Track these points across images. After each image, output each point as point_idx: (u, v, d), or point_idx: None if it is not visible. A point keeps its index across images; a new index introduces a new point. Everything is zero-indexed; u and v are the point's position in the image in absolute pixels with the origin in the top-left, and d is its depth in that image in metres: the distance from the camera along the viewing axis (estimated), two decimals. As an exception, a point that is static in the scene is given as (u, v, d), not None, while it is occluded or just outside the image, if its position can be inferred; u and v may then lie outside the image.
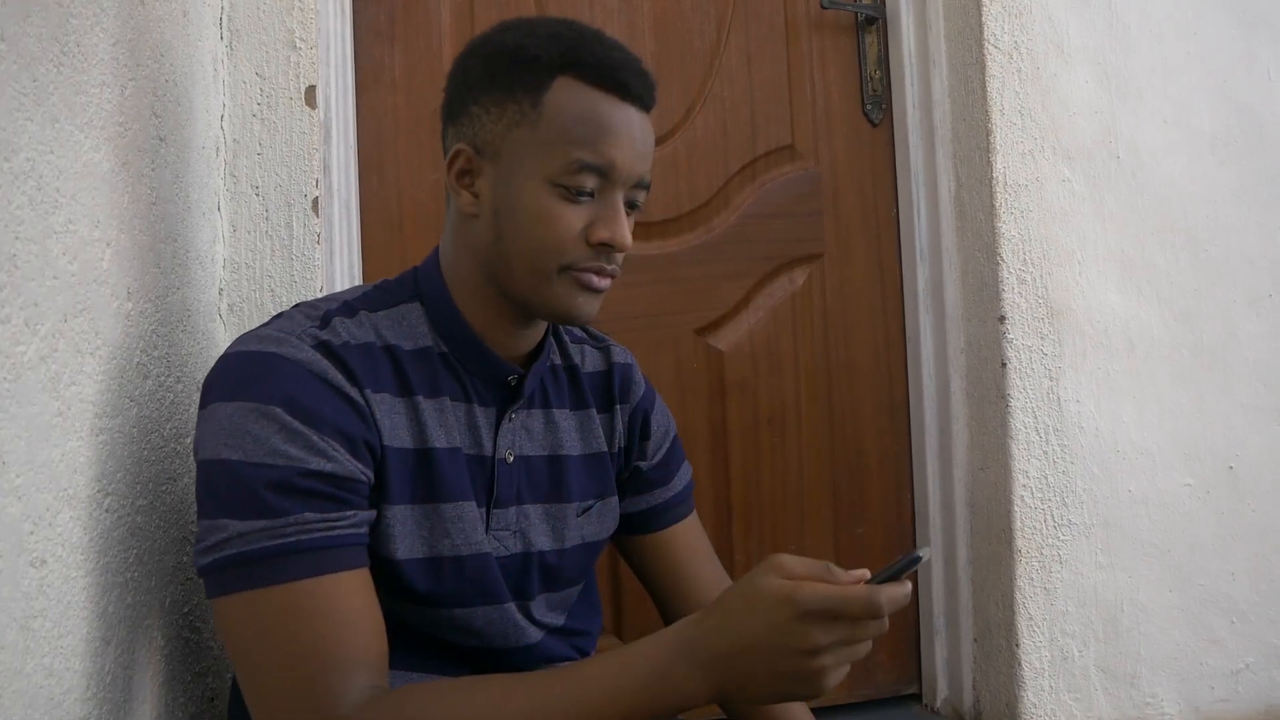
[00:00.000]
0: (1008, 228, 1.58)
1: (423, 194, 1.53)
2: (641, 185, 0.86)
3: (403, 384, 0.85)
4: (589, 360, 1.02)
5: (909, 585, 0.68)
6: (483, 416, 0.89)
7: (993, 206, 1.58)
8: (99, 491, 0.85)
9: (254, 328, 0.85)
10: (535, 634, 0.93)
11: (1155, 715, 1.60)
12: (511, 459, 0.92)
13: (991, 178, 1.58)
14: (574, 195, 0.82)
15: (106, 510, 0.86)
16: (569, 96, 0.82)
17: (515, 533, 0.91)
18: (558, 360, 1.00)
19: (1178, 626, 1.62)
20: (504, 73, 0.83)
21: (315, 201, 1.35)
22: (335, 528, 0.75)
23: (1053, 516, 1.57)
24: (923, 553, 0.70)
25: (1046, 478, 1.57)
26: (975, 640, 1.64)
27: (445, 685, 0.73)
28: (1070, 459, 1.59)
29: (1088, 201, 1.62)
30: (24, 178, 0.72)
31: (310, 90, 1.36)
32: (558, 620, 0.97)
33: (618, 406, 1.02)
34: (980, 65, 1.60)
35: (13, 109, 0.71)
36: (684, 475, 1.10)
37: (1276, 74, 1.74)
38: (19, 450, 0.70)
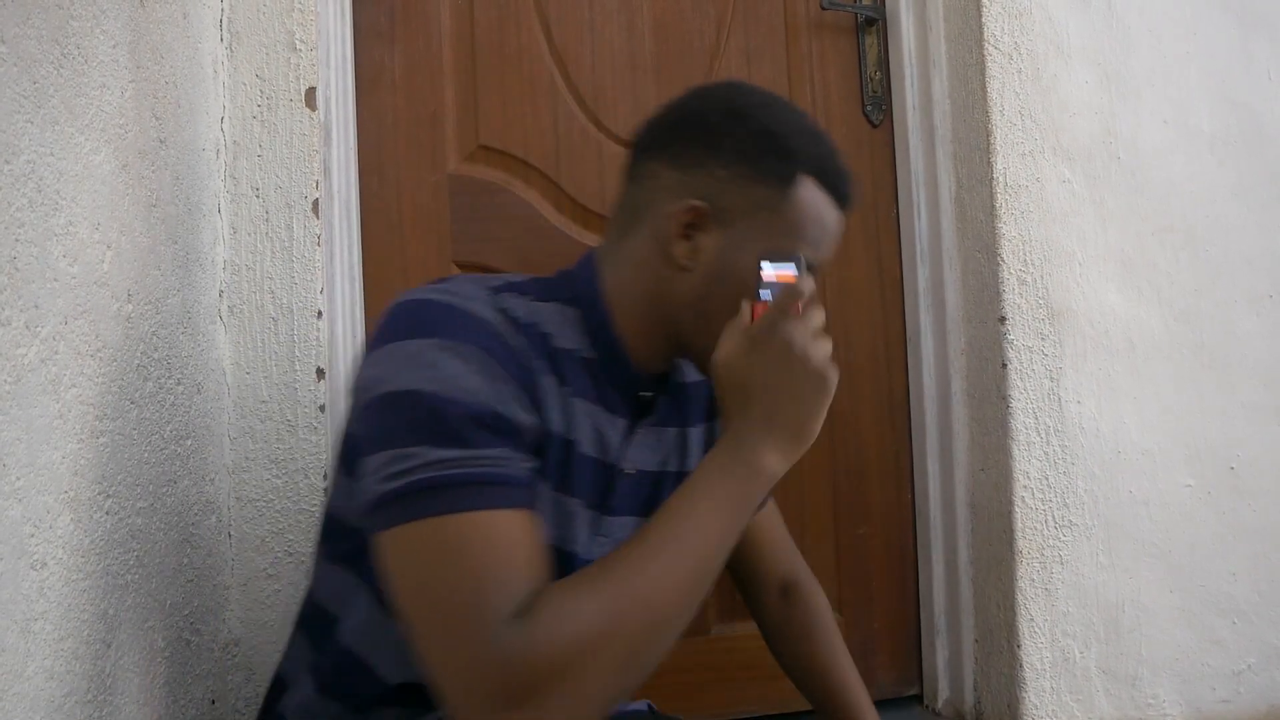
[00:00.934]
0: (1008, 228, 1.58)
1: (423, 195, 1.53)
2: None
3: (559, 372, 0.86)
4: (689, 371, 1.03)
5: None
6: (614, 426, 0.92)
7: (993, 207, 1.58)
8: (99, 494, 0.85)
9: (422, 286, 0.85)
10: None
11: (1156, 716, 1.60)
12: (632, 472, 0.94)
13: (992, 178, 1.58)
14: None
15: (107, 512, 0.86)
16: (810, 199, 0.87)
17: (613, 542, 0.92)
18: (683, 379, 1.02)
19: (1179, 627, 1.62)
20: (762, 155, 0.87)
21: (315, 203, 1.35)
22: (521, 469, 0.77)
23: (1053, 517, 1.57)
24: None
25: (1047, 478, 1.57)
26: (976, 641, 1.64)
27: (580, 576, 0.75)
28: (1071, 459, 1.58)
29: (1088, 202, 1.62)
30: (24, 180, 0.72)
31: (310, 92, 1.36)
32: None
33: (716, 422, 1.04)
34: (980, 66, 1.60)
35: (13, 111, 0.71)
36: None
37: (1276, 74, 1.74)
38: (19, 453, 0.70)
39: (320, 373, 1.34)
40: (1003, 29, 1.60)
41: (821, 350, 0.82)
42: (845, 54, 1.74)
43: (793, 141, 0.88)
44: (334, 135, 1.43)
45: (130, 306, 0.95)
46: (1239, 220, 1.70)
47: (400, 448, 0.74)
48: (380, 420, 0.76)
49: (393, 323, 0.80)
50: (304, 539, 1.31)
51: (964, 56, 1.64)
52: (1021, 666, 1.54)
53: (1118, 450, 1.61)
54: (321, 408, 1.34)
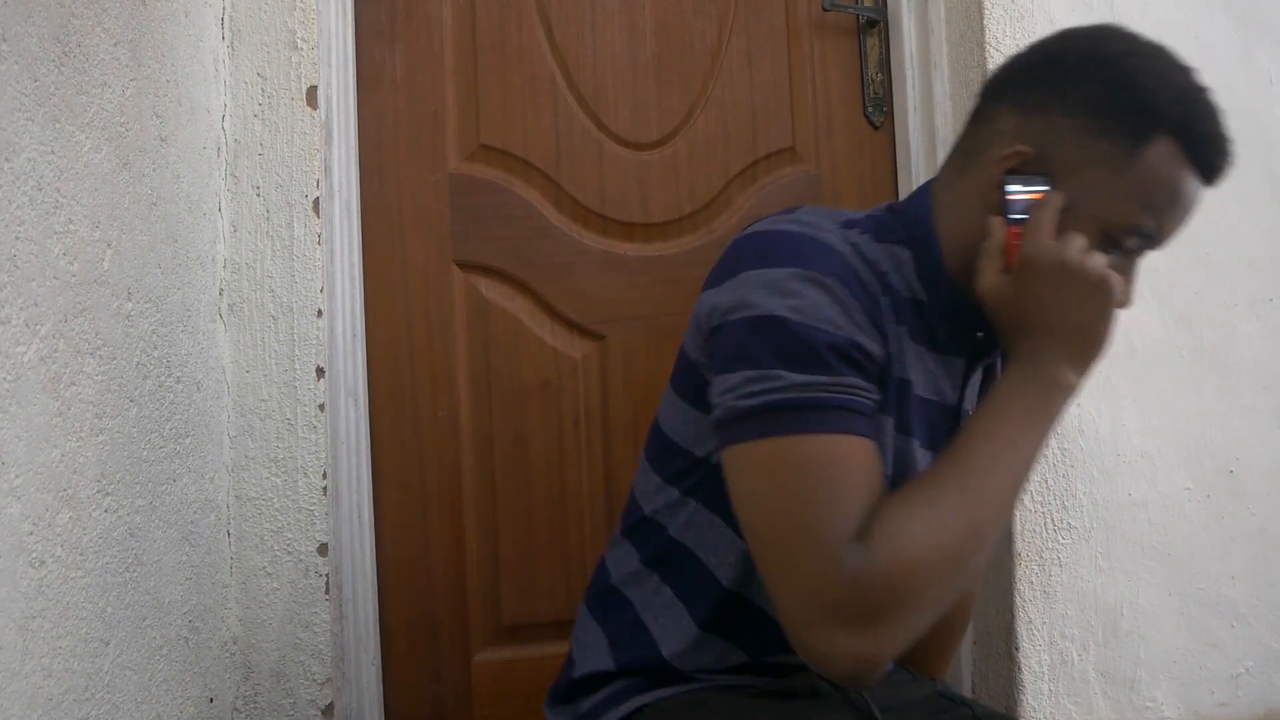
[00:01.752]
0: (1008, 230, 1.57)
1: (423, 194, 1.53)
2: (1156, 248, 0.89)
3: (897, 312, 0.86)
4: None
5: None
6: (948, 367, 0.92)
7: (993, 209, 1.58)
8: (98, 492, 0.85)
9: (769, 217, 0.87)
10: None
11: (1154, 719, 1.60)
12: (970, 410, 0.95)
13: (992, 180, 1.58)
14: (1109, 247, 0.83)
15: (106, 510, 0.86)
16: (1166, 161, 0.82)
17: None
18: None
19: (1177, 630, 1.62)
20: (1118, 107, 0.81)
21: (316, 202, 1.35)
22: (871, 396, 0.78)
23: (1052, 519, 1.57)
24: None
25: (1046, 481, 1.57)
26: (974, 643, 1.64)
27: (911, 499, 0.76)
28: (1070, 462, 1.58)
29: (1088, 204, 1.62)
30: (25, 178, 0.73)
31: (311, 90, 1.36)
32: None
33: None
34: (982, 68, 1.59)
35: (14, 109, 0.71)
36: None
37: (1277, 77, 1.74)
38: (18, 450, 0.70)
39: (320, 371, 1.34)
40: (1004, 31, 1.60)
41: (1096, 259, 0.80)
42: (846, 55, 1.74)
43: (1157, 97, 0.81)
44: (335, 134, 1.43)
45: (130, 305, 0.95)
46: (1240, 223, 1.70)
47: (761, 368, 0.76)
48: (741, 341, 0.78)
49: (750, 250, 0.82)
50: (302, 537, 1.32)
51: (965, 58, 1.64)
52: (1020, 669, 1.54)
53: (1117, 453, 1.61)
54: (321, 406, 1.34)
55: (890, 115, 1.74)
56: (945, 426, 0.92)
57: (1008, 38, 1.59)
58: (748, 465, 0.77)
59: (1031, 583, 1.55)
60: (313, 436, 1.33)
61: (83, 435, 0.82)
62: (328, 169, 1.40)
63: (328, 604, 1.32)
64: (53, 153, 0.77)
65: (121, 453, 0.91)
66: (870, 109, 1.73)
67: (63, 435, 0.78)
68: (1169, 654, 1.61)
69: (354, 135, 1.49)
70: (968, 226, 0.87)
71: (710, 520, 0.89)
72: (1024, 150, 0.83)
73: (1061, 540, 1.57)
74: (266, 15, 1.35)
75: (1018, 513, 1.55)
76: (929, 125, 1.69)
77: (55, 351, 0.77)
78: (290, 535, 1.31)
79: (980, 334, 0.91)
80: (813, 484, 0.74)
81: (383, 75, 1.53)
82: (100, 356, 0.86)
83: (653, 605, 0.92)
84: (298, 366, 1.33)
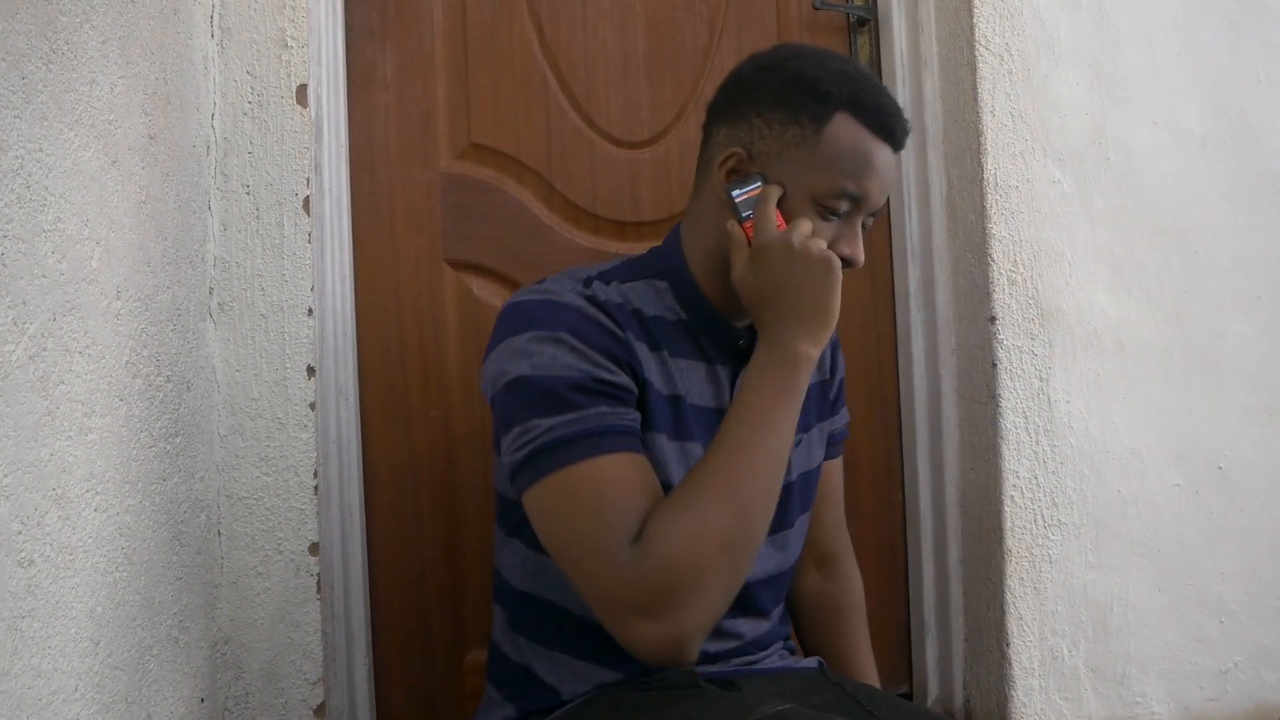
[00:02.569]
0: (998, 229, 1.58)
1: (414, 193, 1.53)
2: (874, 213, 1.00)
3: (652, 340, 0.99)
4: None
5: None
6: (722, 375, 1.04)
7: (983, 207, 1.58)
8: (88, 491, 0.84)
9: (526, 288, 1.00)
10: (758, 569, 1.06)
11: (1144, 714, 1.61)
12: None
13: (982, 179, 1.59)
14: (827, 214, 0.96)
15: (95, 510, 0.86)
16: (846, 132, 0.95)
17: None
18: None
19: (1167, 626, 1.63)
20: (794, 98, 0.96)
21: (306, 200, 1.35)
22: (624, 418, 0.91)
23: (1043, 516, 1.58)
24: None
25: (1036, 478, 1.58)
26: (965, 640, 1.65)
27: (676, 492, 0.88)
28: (1060, 459, 1.59)
29: (1078, 203, 1.63)
30: (12, 176, 0.72)
31: (301, 89, 1.36)
32: (776, 560, 1.09)
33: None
34: (971, 67, 1.60)
35: (1, 106, 0.71)
36: (844, 416, 1.26)
37: (1266, 76, 1.75)
38: (7, 450, 0.70)
39: (311, 370, 1.34)
40: (994, 30, 1.60)
41: (817, 243, 0.93)
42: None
43: (823, 82, 0.95)
44: (325, 132, 1.42)
45: (119, 303, 0.94)
46: (1229, 221, 1.71)
47: (523, 423, 0.89)
48: (505, 405, 0.92)
49: (502, 324, 0.96)
50: (293, 537, 1.31)
51: (955, 57, 1.64)
52: (1010, 665, 1.55)
53: (1107, 450, 1.62)
54: (312, 405, 1.33)
55: (881, 114, 1.74)
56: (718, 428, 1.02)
57: (997, 36, 1.60)
58: (537, 504, 0.89)
59: (1022, 579, 1.56)
60: (303, 435, 1.32)
61: (72, 434, 0.81)
62: (318, 167, 1.40)
63: (319, 603, 1.32)
64: (40, 150, 0.77)
65: (111, 452, 0.90)
66: (861, 107, 1.73)
67: (51, 434, 0.77)
68: (1159, 650, 1.62)
69: (344, 134, 1.48)
70: (712, 237, 1.01)
71: (539, 559, 1.00)
72: (736, 151, 0.98)
73: (1052, 537, 1.58)
74: (256, 13, 1.34)
75: (1008, 509, 1.56)
76: (920, 124, 1.69)
77: (44, 350, 0.76)
78: (281, 534, 1.31)
79: (742, 343, 1.04)
80: (586, 503, 0.85)
81: (373, 73, 1.52)
82: (89, 355, 0.86)
83: (537, 657, 1.04)
84: (288, 365, 1.33)
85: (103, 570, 0.87)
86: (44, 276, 0.77)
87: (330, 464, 1.40)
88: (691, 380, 1.01)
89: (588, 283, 0.99)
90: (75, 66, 0.85)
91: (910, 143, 1.70)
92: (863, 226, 1.00)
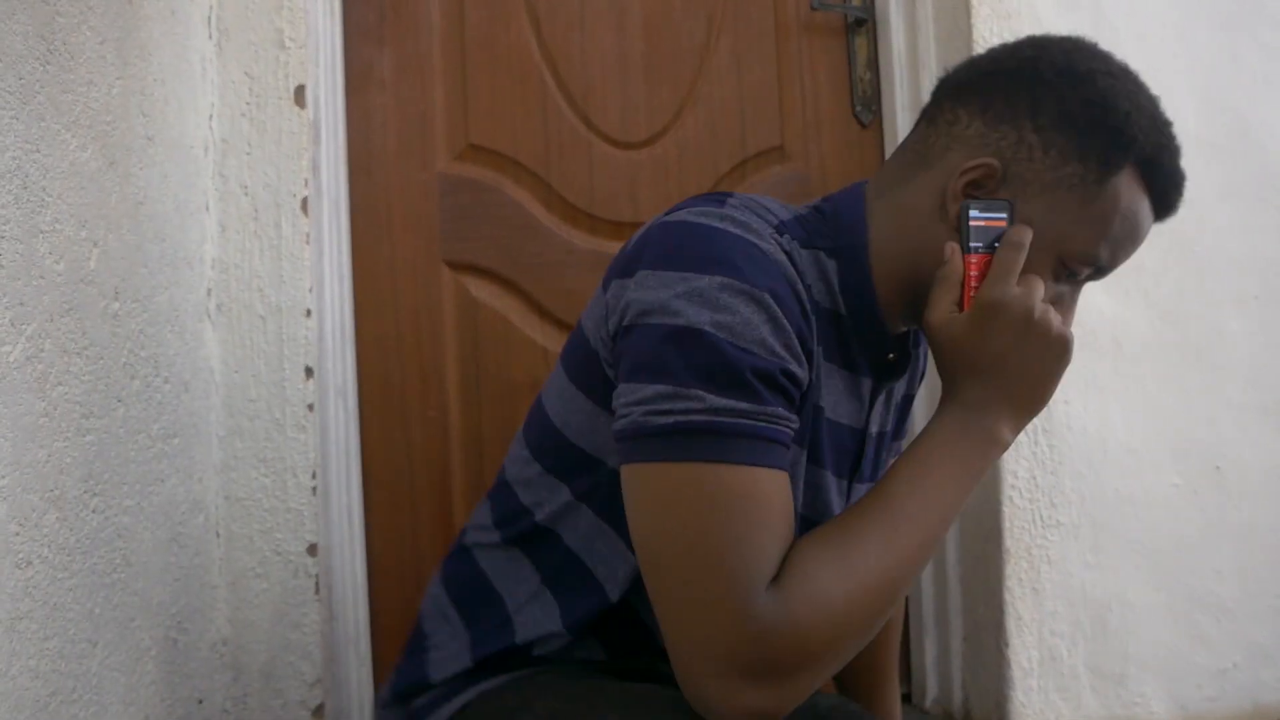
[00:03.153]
0: (996, 229, 1.58)
1: (412, 194, 1.53)
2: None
3: (817, 330, 0.79)
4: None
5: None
6: (860, 389, 0.86)
7: (981, 207, 1.58)
8: (85, 492, 0.84)
9: (697, 204, 0.78)
10: None
11: (1143, 714, 1.61)
12: (876, 433, 0.91)
13: (980, 179, 1.58)
14: (1063, 276, 0.80)
15: (93, 511, 0.86)
16: (1129, 192, 0.78)
17: None
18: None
19: (1165, 626, 1.63)
20: (1091, 129, 0.77)
21: (304, 201, 1.35)
22: (792, 426, 0.73)
23: (1041, 516, 1.58)
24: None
25: (1035, 478, 1.58)
26: (964, 640, 1.65)
27: (826, 545, 0.71)
28: (1058, 459, 1.59)
29: (1076, 203, 1.63)
30: (10, 177, 0.72)
31: (299, 90, 1.35)
32: None
33: (906, 379, 0.99)
34: (969, 67, 1.60)
35: (-2, 107, 0.71)
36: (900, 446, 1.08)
37: (1262, 76, 1.75)
38: (5, 451, 0.70)
39: (309, 371, 1.34)
40: (991, 30, 1.60)
41: (1056, 316, 0.76)
42: (835, 54, 1.74)
43: (1131, 124, 0.77)
44: (323, 133, 1.42)
45: (117, 304, 0.94)
46: (1225, 221, 1.71)
47: (679, 385, 0.69)
48: (659, 351, 0.70)
49: (677, 245, 0.74)
50: (292, 538, 1.31)
51: (953, 57, 1.64)
52: (1009, 665, 1.55)
53: (1104, 450, 1.62)
54: (310, 406, 1.33)
55: (879, 114, 1.75)
56: (852, 451, 0.88)
57: (995, 37, 1.60)
58: (654, 489, 0.70)
59: (1020, 579, 1.56)
60: (302, 436, 1.32)
61: (69, 435, 0.81)
62: (316, 168, 1.39)
63: (317, 604, 1.32)
64: (38, 151, 0.77)
65: (109, 453, 0.90)
66: (859, 108, 1.74)
67: (49, 435, 0.77)
68: (1157, 649, 1.62)
69: (342, 134, 1.48)
70: (911, 237, 0.81)
71: (601, 529, 0.83)
72: (990, 163, 0.77)
73: (1050, 537, 1.58)
74: (254, 14, 1.34)
75: (1006, 509, 1.56)
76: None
77: (41, 351, 0.76)
78: (279, 535, 1.31)
79: (892, 356, 0.87)
80: (727, 520, 0.68)
81: (371, 74, 1.52)
82: (87, 356, 0.86)
83: (522, 599, 0.86)
84: (286, 366, 1.33)
85: (100, 571, 0.87)
86: (41, 277, 0.77)
87: (329, 465, 1.40)
88: (830, 389, 0.82)
89: (781, 231, 0.78)
90: (73, 67, 0.85)
91: (908, 143, 1.71)
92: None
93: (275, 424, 1.32)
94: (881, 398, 0.90)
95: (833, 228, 0.82)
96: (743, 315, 0.70)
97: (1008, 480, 1.56)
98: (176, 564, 1.10)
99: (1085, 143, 0.76)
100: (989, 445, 0.76)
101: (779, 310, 0.71)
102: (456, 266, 1.54)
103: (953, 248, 0.77)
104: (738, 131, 1.68)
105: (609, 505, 0.79)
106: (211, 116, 1.32)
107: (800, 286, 0.75)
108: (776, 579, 0.67)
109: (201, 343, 1.25)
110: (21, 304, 0.73)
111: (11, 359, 0.71)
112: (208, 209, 1.31)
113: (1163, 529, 1.64)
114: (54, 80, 0.80)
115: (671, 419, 0.69)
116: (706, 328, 0.69)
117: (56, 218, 0.80)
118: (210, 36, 1.33)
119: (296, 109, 1.35)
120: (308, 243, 1.35)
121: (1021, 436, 1.56)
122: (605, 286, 0.78)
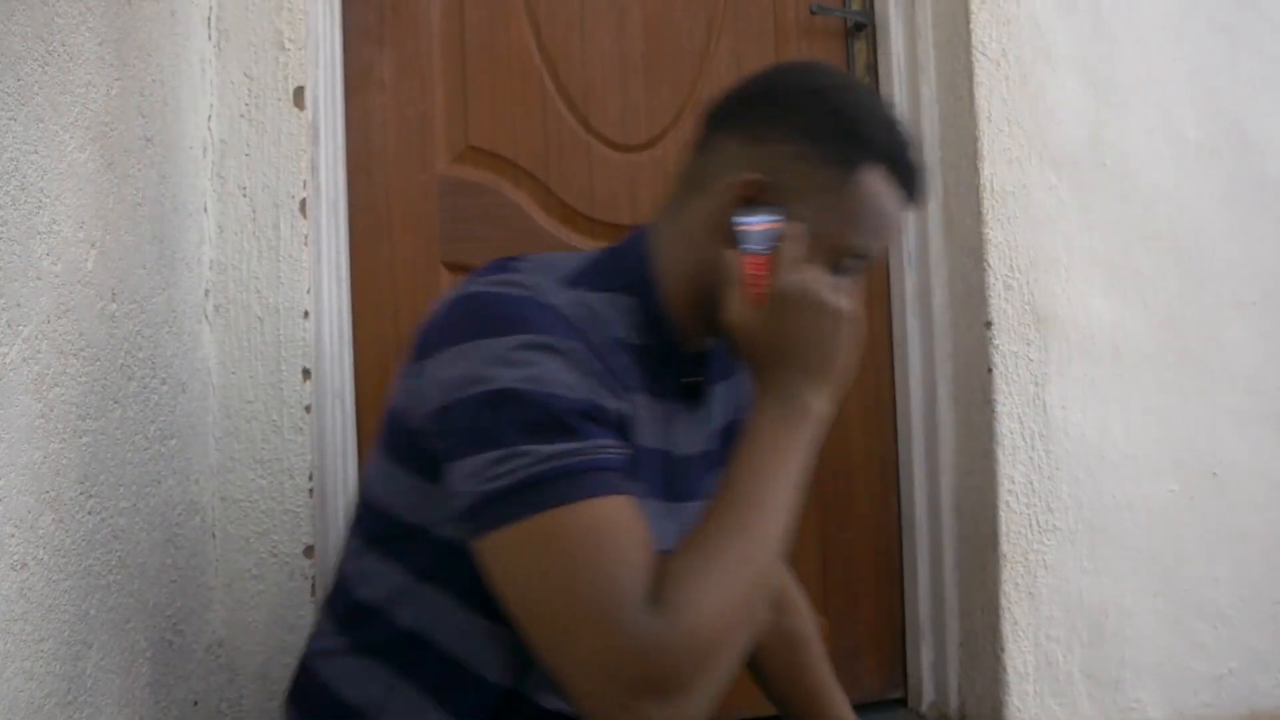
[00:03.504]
0: (995, 234, 1.58)
1: (411, 196, 1.53)
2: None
3: (619, 367, 0.84)
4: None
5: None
6: (668, 413, 0.90)
7: (980, 213, 1.59)
8: (82, 494, 0.84)
9: (486, 274, 0.83)
10: None
11: (1139, 720, 1.61)
12: (692, 455, 0.93)
13: (979, 184, 1.59)
14: (837, 270, 0.86)
15: (89, 513, 0.86)
16: (875, 188, 0.85)
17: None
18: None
19: (1162, 631, 1.63)
20: (831, 137, 0.85)
21: (303, 203, 1.35)
22: (623, 453, 0.76)
23: (1038, 522, 1.58)
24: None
25: (1032, 483, 1.58)
26: (961, 645, 1.65)
27: (692, 553, 0.73)
28: (1056, 464, 1.59)
29: (1074, 208, 1.63)
30: (7, 178, 0.72)
31: (299, 91, 1.35)
32: None
33: (728, 382, 1.01)
34: (968, 73, 1.60)
35: (-4, 108, 0.71)
36: None
37: (1261, 82, 1.76)
38: (1, 452, 0.70)
39: (306, 373, 1.34)
40: (991, 36, 1.61)
41: (833, 289, 0.82)
42: (834, 58, 1.74)
43: (865, 127, 0.86)
44: (322, 135, 1.42)
45: (115, 306, 0.94)
46: (1224, 227, 1.71)
47: (506, 447, 0.72)
48: (477, 421, 0.73)
49: (471, 316, 0.78)
50: (288, 540, 1.31)
51: (952, 63, 1.65)
52: (1005, 670, 1.55)
53: (1102, 455, 1.62)
54: (307, 408, 1.33)
55: (878, 118, 1.75)
56: (668, 474, 0.90)
57: (994, 42, 1.60)
58: (511, 550, 0.72)
59: (1017, 585, 1.56)
60: (299, 438, 1.32)
61: (66, 437, 0.81)
62: (315, 170, 1.39)
63: (313, 606, 1.31)
64: (36, 152, 0.77)
65: (105, 454, 0.90)
66: (858, 112, 1.74)
67: (45, 437, 0.77)
68: (1153, 655, 1.62)
69: (341, 136, 1.48)
70: (695, 258, 0.87)
71: (456, 609, 0.83)
72: (755, 178, 0.84)
73: (1047, 542, 1.58)
74: (254, 15, 1.34)
75: (1003, 514, 1.56)
76: (916, 129, 1.70)
77: (38, 352, 0.76)
78: (276, 537, 1.31)
79: (691, 380, 0.92)
80: (588, 553, 0.70)
81: (371, 76, 1.52)
82: (84, 358, 0.86)
83: (386, 708, 0.85)
84: (284, 368, 1.32)
85: (96, 573, 0.87)
86: (39, 279, 0.77)
87: (326, 467, 1.39)
88: (642, 418, 0.86)
89: (573, 283, 0.84)
90: (71, 68, 0.85)
91: (907, 148, 1.71)
92: None
93: (272, 426, 1.32)
94: (694, 419, 0.94)
95: (622, 267, 0.89)
96: (544, 365, 0.74)
97: (1004, 485, 1.56)
98: (172, 565, 1.10)
99: (829, 149, 0.85)
100: (806, 422, 0.81)
101: (575, 355, 0.76)
102: (455, 268, 1.54)
103: (732, 252, 0.84)
104: (737, 135, 1.68)
105: (454, 581, 0.81)
106: (210, 117, 1.32)
107: (591, 334, 0.80)
108: (653, 594, 0.69)
109: (199, 344, 1.25)
110: (18, 305, 0.73)
111: (8, 360, 0.71)
112: (206, 210, 1.31)
113: (1160, 535, 1.64)
114: (52, 81, 0.80)
115: (507, 480, 0.71)
116: (515, 385, 0.73)
117: (54, 219, 0.80)
118: (210, 38, 1.33)
119: (295, 110, 1.35)
120: (306, 244, 1.35)
121: (1019, 441, 1.56)
122: (410, 370, 0.82)
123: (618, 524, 0.72)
